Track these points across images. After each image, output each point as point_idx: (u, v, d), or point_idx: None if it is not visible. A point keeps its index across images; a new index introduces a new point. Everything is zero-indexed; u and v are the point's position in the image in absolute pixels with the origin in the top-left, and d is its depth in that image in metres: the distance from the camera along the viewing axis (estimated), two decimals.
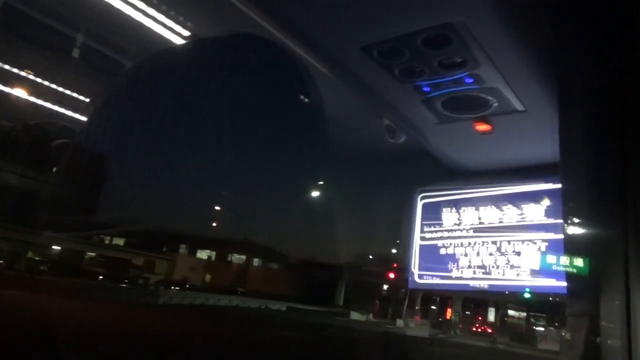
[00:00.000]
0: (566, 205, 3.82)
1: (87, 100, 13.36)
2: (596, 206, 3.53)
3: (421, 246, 10.70)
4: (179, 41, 8.07)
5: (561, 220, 3.89)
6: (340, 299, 48.11)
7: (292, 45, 6.56)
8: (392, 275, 44.56)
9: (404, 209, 11.09)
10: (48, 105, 13.22)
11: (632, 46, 3.71)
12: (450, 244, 10.38)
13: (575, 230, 3.69)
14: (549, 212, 9.27)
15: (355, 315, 40.73)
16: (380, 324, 39.11)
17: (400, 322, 40.80)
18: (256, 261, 52.84)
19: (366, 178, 12.53)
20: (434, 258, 10.51)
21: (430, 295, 44.22)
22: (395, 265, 44.38)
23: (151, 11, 7.64)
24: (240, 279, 47.91)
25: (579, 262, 3.40)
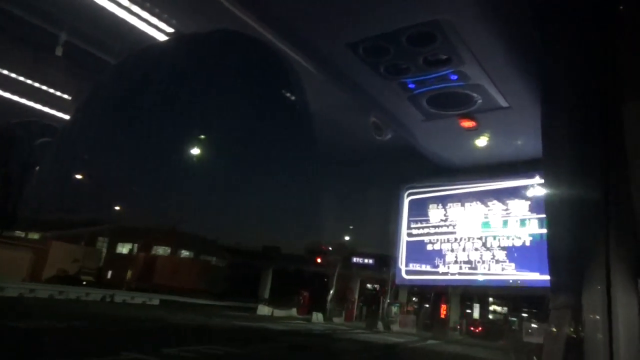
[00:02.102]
0: (549, 200, 3.88)
1: (70, 98, 13.16)
2: (578, 201, 3.58)
3: (408, 242, 10.77)
4: (162, 38, 8.01)
5: (544, 215, 3.94)
6: (265, 291, 41.68)
7: (276, 42, 6.54)
8: (319, 260, 38.34)
9: (391, 206, 11.14)
10: (30, 103, 13.02)
11: (614, 45, 3.76)
12: (437, 239, 10.47)
13: (557, 225, 3.74)
14: (533, 207, 9.40)
15: (263, 310, 34.70)
16: (282, 319, 32.21)
17: (316, 317, 34.90)
18: (185, 254, 47.98)
19: (352, 174, 12.56)
20: (420, 254, 10.59)
21: (370, 284, 42.24)
22: (323, 247, 38.49)
23: (135, 8, 7.57)
24: (140, 271, 41.28)
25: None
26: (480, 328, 40.66)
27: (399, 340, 25.39)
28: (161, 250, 47.58)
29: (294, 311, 36.79)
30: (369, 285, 45.35)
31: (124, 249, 46.12)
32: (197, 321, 20.92)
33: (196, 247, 46.39)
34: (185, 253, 48.50)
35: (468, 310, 47.17)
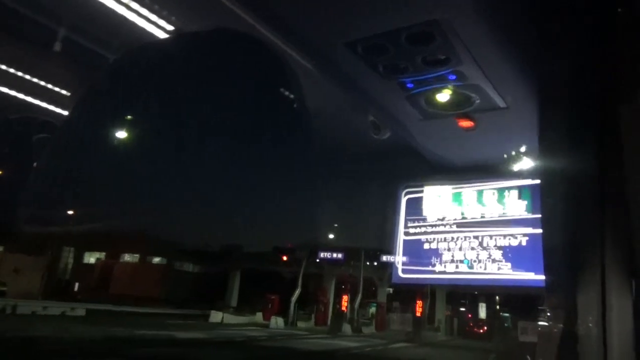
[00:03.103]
0: (545, 200, 3.91)
1: (69, 94, 13.15)
2: (574, 202, 3.61)
3: (405, 241, 10.81)
4: (162, 35, 8.01)
5: (540, 215, 3.97)
6: (232, 296, 37.92)
7: (275, 40, 6.56)
8: (284, 258, 35.11)
9: (388, 205, 11.18)
10: (29, 99, 13.02)
11: (612, 46, 3.79)
12: (434, 239, 10.51)
13: (553, 225, 3.77)
14: (529, 207, 9.45)
15: (216, 317, 30.27)
16: (233, 326, 28.56)
17: (275, 322, 30.56)
18: (156, 260, 44.76)
19: (348, 172, 12.59)
20: (417, 253, 10.62)
21: (343, 284, 37.40)
22: (290, 245, 34.94)
23: (134, 5, 7.58)
24: (96, 281, 38.95)
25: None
26: (484, 328, 38.37)
27: (345, 344, 22.61)
28: (130, 258, 44.97)
29: (259, 316, 32.56)
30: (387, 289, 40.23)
31: (91, 257, 43.32)
32: (74, 334, 18.02)
33: (166, 252, 43.04)
34: (156, 259, 45.34)
35: (462, 309, 45.23)
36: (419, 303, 36.75)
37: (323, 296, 36.38)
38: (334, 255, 34.53)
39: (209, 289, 38.67)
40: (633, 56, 3.79)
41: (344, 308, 35.92)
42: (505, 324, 38.60)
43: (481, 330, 38.03)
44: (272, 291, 33.87)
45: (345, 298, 36.70)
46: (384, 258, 29.94)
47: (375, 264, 34.35)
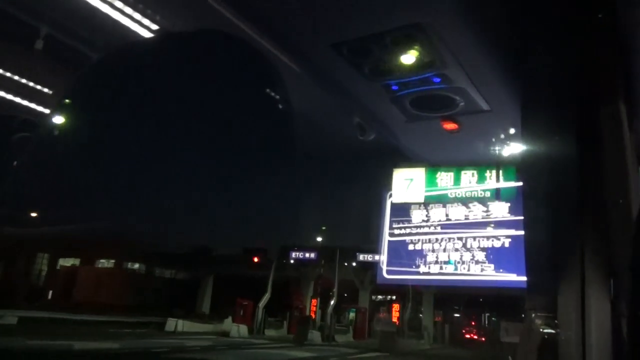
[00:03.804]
0: (526, 203, 3.95)
1: (50, 92, 12.97)
2: (555, 204, 3.66)
3: (390, 242, 10.85)
4: (146, 35, 7.93)
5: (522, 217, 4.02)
6: (203, 302, 36.17)
7: (262, 42, 6.54)
8: (256, 259, 32.67)
9: (373, 206, 11.22)
10: (9, 96, 12.80)
11: (592, 49, 3.85)
12: (419, 240, 10.57)
13: (534, 227, 3.82)
14: (512, 209, 9.56)
15: (170, 325, 27.57)
16: (188, 334, 25.78)
17: (237, 330, 27.96)
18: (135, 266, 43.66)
19: (334, 174, 12.61)
20: (402, 254, 10.67)
21: (321, 288, 35.02)
22: (262, 245, 32.70)
23: (118, 3, 7.50)
24: (60, 288, 37.29)
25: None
26: (485, 337, 34.93)
27: (295, 354, 20.18)
28: (107, 263, 43.03)
29: (227, 323, 29.53)
30: (379, 297, 37.73)
31: (65, 264, 41.87)
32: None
33: (139, 257, 41.22)
34: (135, 265, 43.86)
35: (456, 315, 43.35)
36: (395, 307, 34.89)
37: (299, 301, 34.10)
38: (307, 255, 32.41)
39: (180, 295, 36.99)
40: (613, 60, 3.86)
41: (311, 313, 33.52)
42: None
43: (483, 339, 35.15)
44: (246, 296, 31.48)
45: (314, 302, 34.30)
46: (362, 257, 29.11)
47: (354, 264, 32.96)
